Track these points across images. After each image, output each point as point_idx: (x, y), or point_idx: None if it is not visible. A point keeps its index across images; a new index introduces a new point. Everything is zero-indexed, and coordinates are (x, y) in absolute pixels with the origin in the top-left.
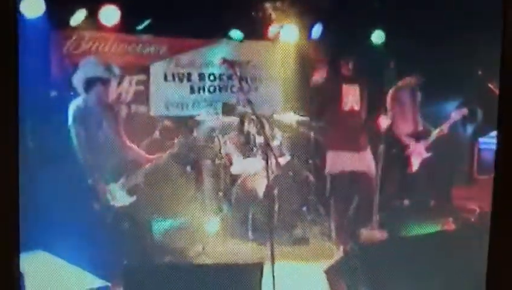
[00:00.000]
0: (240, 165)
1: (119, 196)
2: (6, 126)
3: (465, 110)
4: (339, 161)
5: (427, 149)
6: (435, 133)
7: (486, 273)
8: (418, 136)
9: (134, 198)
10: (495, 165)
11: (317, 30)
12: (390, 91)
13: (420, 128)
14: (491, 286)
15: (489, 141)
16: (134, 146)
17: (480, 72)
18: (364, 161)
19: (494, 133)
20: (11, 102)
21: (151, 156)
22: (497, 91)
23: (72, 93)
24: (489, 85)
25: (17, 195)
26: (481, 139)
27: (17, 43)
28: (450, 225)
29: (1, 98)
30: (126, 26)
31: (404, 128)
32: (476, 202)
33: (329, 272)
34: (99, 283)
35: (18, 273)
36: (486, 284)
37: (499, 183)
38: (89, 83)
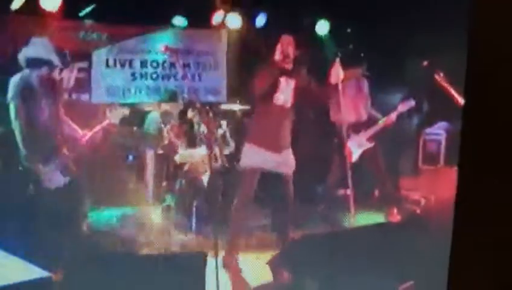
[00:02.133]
0: (184, 155)
1: (53, 178)
2: None
3: (412, 102)
4: (254, 157)
5: (370, 139)
6: (380, 123)
7: (449, 268)
8: (359, 127)
9: (67, 179)
10: (459, 157)
11: (261, 18)
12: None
13: (363, 118)
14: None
15: (434, 132)
16: (70, 121)
17: (426, 63)
18: (282, 161)
19: (439, 124)
20: None
21: (84, 131)
22: (442, 82)
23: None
24: (435, 76)
25: None
26: (427, 130)
27: None
28: (395, 216)
29: None
30: (68, 11)
31: (346, 119)
32: (421, 193)
33: (271, 263)
34: (40, 273)
35: None
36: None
37: (463, 176)
38: (33, 62)
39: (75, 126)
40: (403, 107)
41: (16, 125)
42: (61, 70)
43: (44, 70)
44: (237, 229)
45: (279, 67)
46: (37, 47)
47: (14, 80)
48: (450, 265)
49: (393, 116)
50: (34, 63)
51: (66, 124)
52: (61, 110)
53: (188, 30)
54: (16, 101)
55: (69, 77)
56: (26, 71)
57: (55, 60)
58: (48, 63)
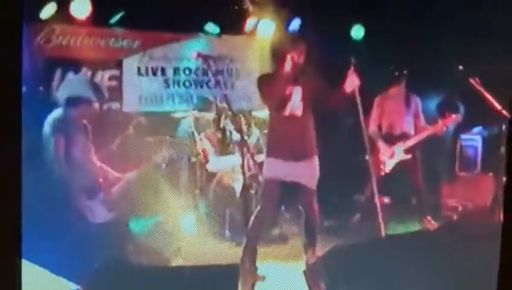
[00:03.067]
0: (217, 163)
1: (97, 212)
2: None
3: (458, 117)
4: (273, 168)
5: (408, 151)
6: (420, 136)
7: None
8: (397, 138)
9: (113, 214)
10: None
11: (294, 24)
12: (378, 98)
13: (404, 131)
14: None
15: (471, 137)
16: (106, 167)
17: (461, 68)
18: (303, 172)
19: (476, 130)
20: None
21: (129, 169)
22: (478, 86)
23: (42, 88)
24: (471, 80)
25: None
26: (463, 135)
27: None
28: (431, 224)
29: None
30: (98, 19)
31: (384, 130)
32: (458, 200)
33: (308, 272)
34: (70, 286)
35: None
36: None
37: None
38: (73, 99)
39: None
40: (447, 122)
41: (54, 161)
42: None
43: (82, 107)
44: (253, 239)
45: (290, 77)
46: (74, 84)
47: (53, 117)
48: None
49: (436, 130)
50: (72, 101)
51: (109, 160)
52: (93, 150)
53: (221, 36)
54: (55, 137)
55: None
56: (63, 110)
57: (92, 96)
58: (85, 100)
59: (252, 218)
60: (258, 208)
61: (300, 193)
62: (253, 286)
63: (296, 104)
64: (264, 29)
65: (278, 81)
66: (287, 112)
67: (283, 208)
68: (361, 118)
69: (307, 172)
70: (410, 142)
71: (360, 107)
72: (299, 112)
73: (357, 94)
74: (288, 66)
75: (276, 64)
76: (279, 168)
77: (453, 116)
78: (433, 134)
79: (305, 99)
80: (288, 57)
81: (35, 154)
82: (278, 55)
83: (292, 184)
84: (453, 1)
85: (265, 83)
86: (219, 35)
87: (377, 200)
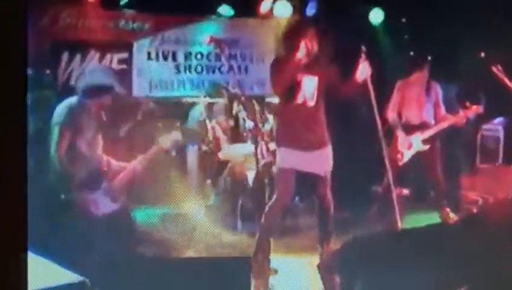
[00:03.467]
0: (229, 151)
1: (102, 204)
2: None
3: (480, 108)
4: (286, 157)
5: (426, 141)
6: (441, 126)
7: None
8: (416, 128)
9: (118, 205)
10: None
11: (312, 6)
12: (399, 82)
13: (423, 121)
14: None
15: (492, 128)
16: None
17: (483, 55)
18: (315, 162)
19: (498, 120)
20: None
21: (134, 155)
22: (500, 74)
23: (48, 71)
24: (493, 68)
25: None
26: (484, 126)
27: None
28: (451, 217)
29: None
30: (108, 1)
31: (404, 119)
32: (478, 192)
33: (322, 265)
34: (77, 277)
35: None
36: None
37: None
38: (92, 89)
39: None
40: (468, 113)
41: (55, 150)
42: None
43: (103, 96)
44: (267, 231)
45: (303, 64)
46: (96, 74)
47: (65, 105)
48: None
49: (457, 121)
50: (92, 90)
51: (115, 148)
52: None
53: (234, 19)
54: (62, 126)
55: None
56: (78, 99)
57: (116, 84)
58: (108, 89)
59: (266, 209)
60: (274, 198)
61: (314, 183)
62: (265, 279)
63: (309, 93)
64: (279, 10)
65: (290, 68)
66: (299, 101)
67: (297, 198)
68: (375, 107)
69: (320, 162)
70: (429, 133)
71: (373, 97)
72: (311, 102)
73: (369, 83)
74: (302, 53)
75: (290, 49)
76: (292, 158)
77: (475, 107)
78: (453, 125)
79: (319, 89)
80: (302, 43)
81: (40, 142)
82: (291, 40)
83: (305, 174)
84: None
85: (277, 68)
86: (232, 17)
87: (393, 192)
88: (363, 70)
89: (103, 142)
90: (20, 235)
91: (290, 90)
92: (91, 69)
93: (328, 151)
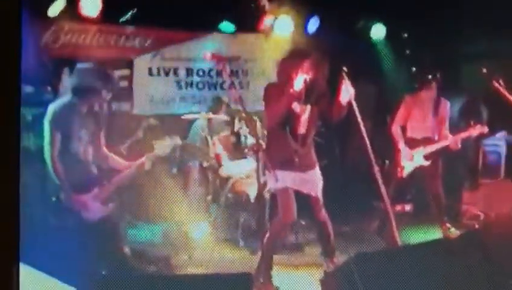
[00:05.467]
0: (230, 167)
1: (93, 208)
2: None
3: (485, 129)
4: (280, 178)
5: (428, 157)
6: (444, 143)
7: None
8: (418, 143)
9: (109, 208)
10: None
11: (313, 23)
12: (407, 97)
13: (427, 136)
14: None
15: (494, 143)
16: (112, 154)
17: (484, 70)
18: (309, 180)
19: (499, 135)
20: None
21: (128, 163)
22: (502, 89)
23: (49, 89)
24: (495, 83)
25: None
26: (485, 141)
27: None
28: (452, 232)
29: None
30: (109, 17)
31: (408, 134)
32: (480, 207)
33: (325, 280)
34: None
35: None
36: None
37: None
38: (80, 89)
39: (118, 159)
40: (473, 132)
41: (48, 152)
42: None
43: (90, 98)
44: (270, 249)
45: (301, 95)
46: (83, 74)
47: (55, 106)
48: None
49: (460, 138)
50: (79, 90)
51: (108, 157)
52: (101, 130)
53: (236, 36)
54: (53, 126)
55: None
56: (70, 98)
57: (101, 86)
58: (94, 91)
59: (271, 228)
60: (277, 218)
61: (308, 202)
62: None
63: (302, 122)
64: (281, 27)
65: (287, 99)
66: (294, 130)
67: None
68: (362, 126)
69: (311, 182)
70: (432, 148)
71: (358, 116)
72: (303, 129)
73: (353, 103)
74: (298, 86)
75: (286, 80)
76: (288, 178)
77: (479, 126)
78: (456, 144)
79: (311, 118)
80: (300, 77)
81: (34, 154)
82: (289, 71)
83: (299, 193)
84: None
85: (272, 95)
86: (234, 33)
87: (388, 208)
88: (346, 92)
89: (103, 145)
90: (11, 246)
91: (285, 120)
92: (81, 69)
93: (318, 171)
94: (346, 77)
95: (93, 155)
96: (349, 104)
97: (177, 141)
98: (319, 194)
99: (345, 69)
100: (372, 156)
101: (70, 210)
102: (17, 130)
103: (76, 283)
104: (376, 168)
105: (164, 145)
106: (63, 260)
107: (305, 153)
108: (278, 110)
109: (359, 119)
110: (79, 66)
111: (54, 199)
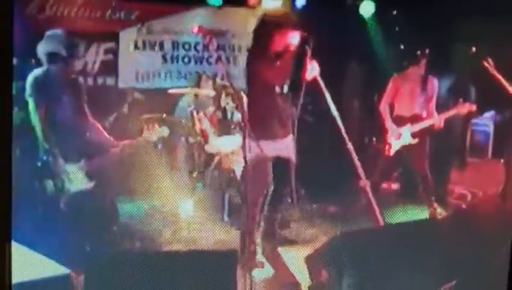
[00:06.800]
0: (216, 143)
1: (75, 179)
2: None
3: (473, 106)
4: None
5: (415, 135)
6: (431, 120)
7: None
8: (406, 121)
9: (93, 183)
10: None
11: None
12: (395, 75)
13: (414, 113)
14: None
15: (482, 122)
16: (99, 126)
17: (474, 49)
18: (284, 148)
19: (488, 114)
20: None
21: (116, 141)
22: (491, 69)
23: (34, 61)
24: (484, 62)
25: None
26: (474, 120)
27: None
28: (439, 212)
29: None
30: None
31: (394, 112)
32: (467, 187)
33: (310, 259)
34: (59, 270)
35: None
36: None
37: None
38: (53, 56)
39: (105, 133)
40: (461, 110)
41: (36, 123)
42: (85, 53)
43: (64, 64)
44: (252, 222)
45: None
46: (51, 40)
47: (34, 76)
48: None
49: (448, 116)
50: (54, 56)
51: (95, 127)
52: (86, 102)
53: (223, 9)
54: (34, 97)
55: (93, 61)
56: (46, 66)
57: (65, 52)
58: (69, 57)
59: (249, 200)
60: (254, 189)
61: (286, 168)
62: (251, 272)
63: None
64: (269, 2)
65: (283, 60)
66: (280, 92)
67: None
68: (332, 106)
69: (289, 148)
70: (419, 126)
71: (327, 95)
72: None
73: (320, 81)
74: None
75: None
76: (269, 146)
77: (468, 104)
78: (444, 121)
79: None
80: (290, 38)
81: (23, 128)
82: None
83: (278, 160)
84: None
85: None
86: (221, 7)
87: (367, 187)
88: (311, 70)
89: (87, 117)
90: (2, 225)
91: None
92: (49, 36)
93: (291, 138)
94: (310, 54)
95: (80, 125)
96: (315, 80)
97: (166, 132)
98: (294, 158)
99: (307, 47)
100: (344, 132)
101: (52, 177)
102: (9, 106)
103: (62, 258)
104: (349, 145)
105: (153, 133)
106: (48, 235)
107: (285, 120)
108: (280, 72)
109: (328, 98)
110: (48, 33)
111: (39, 164)
